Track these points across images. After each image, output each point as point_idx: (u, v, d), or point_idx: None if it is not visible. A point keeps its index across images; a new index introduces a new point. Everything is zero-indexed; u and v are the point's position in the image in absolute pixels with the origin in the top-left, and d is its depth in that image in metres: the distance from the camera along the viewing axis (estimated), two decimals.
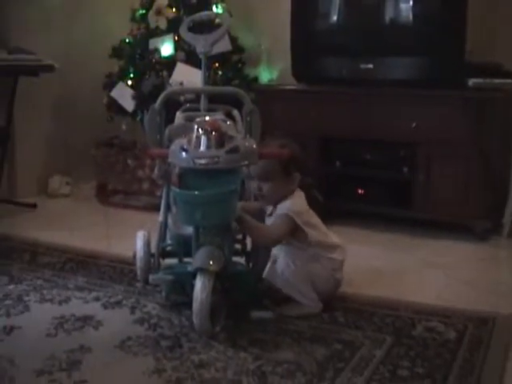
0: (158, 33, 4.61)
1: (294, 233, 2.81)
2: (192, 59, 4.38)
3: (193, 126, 2.65)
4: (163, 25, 4.57)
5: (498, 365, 2.39)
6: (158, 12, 4.57)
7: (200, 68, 3.17)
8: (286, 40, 4.38)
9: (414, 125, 3.95)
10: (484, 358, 2.43)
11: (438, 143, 3.93)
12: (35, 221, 4.36)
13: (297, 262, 2.81)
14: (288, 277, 2.79)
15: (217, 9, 4.65)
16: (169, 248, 3.04)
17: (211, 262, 2.55)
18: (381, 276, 3.36)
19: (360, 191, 4.24)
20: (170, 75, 4.43)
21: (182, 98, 4.05)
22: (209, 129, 2.58)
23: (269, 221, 2.90)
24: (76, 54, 4.96)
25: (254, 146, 2.65)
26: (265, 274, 2.82)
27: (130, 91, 4.55)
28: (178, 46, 4.52)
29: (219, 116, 2.96)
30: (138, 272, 3.09)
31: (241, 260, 3.01)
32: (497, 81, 3.92)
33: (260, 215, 2.96)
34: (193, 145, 2.59)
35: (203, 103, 3.11)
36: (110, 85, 4.70)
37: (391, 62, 4.14)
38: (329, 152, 4.27)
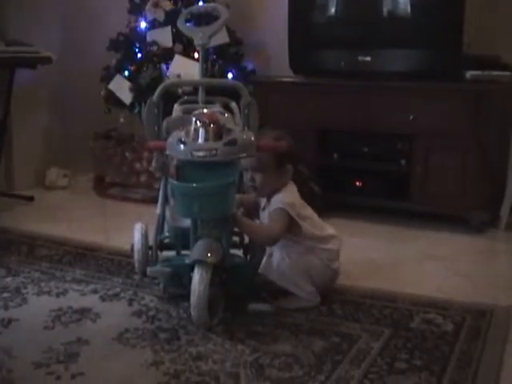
0: (155, 25, 4.60)
1: (289, 227, 2.81)
2: (190, 51, 4.39)
3: (191, 118, 2.65)
4: (161, 17, 4.56)
5: (496, 357, 2.39)
6: (156, 4, 4.56)
7: (198, 60, 3.17)
8: (284, 32, 4.37)
9: (411, 117, 3.95)
10: (482, 350, 2.43)
11: (435, 135, 3.93)
12: (33, 213, 4.36)
13: (292, 254, 2.80)
14: (284, 270, 2.79)
15: (214, 1, 4.63)
16: (166, 240, 3.04)
17: (209, 255, 2.56)
18: (378, 268, 3.36)
19: (358, 183, 4.24)
20: (167, 68, 4.42)
21: (179, 91, 4.05)
22: (207, 121, 2.58)
23: (263, 215, 2.90)
24: (74, 46, 4.95)
25: (252, 139, 2.65)
26: (260, 268, 2.82)
27: (128, 84, 4.54)
28: (175, 38, 4.51)
29: (217, 108, 2.96)
30: (136, 264, 3.10)
31: (239, 252, 3.02)
32: (495, 73, 3.92)
33: (255, 207, 2.96)
34: (191, 137, 2.59)
35: (201, 95, 3.11)
36: (107, 77, 4.69)
37: (389, 55, 4.13)
38: (326, 144, 4.27)
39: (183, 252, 2.89)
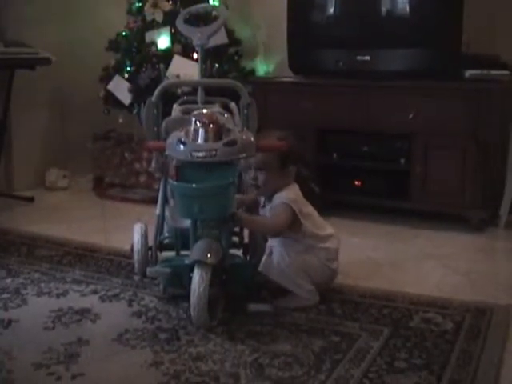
0: (154, 26, 4.60)
1: (291, 223, 2.81)
2: (188, 52, 4.39)
3: (190, 118, 2.65)
4: (160, 17, 4.56)
5: (496, 356, 2.39)
6: (155, 5, 4.56)
7: (197, 61, 3.17)
8: (283, 32, 4.37)
9: (410, 116, 3.95)
10: (481, 349, 2.43)
11: (434, 134, 3.93)
12: (32, 214, 4.36)
13: (291, 253, 2.81)
14: (284, 268, 2.79)
15: (213, 1, 4.64)
16: (166, 241, 3.04)
17: (209, 255, 2.56)
18: (378, 267, 3.36)
19: (357, 183, 4.24)
20: (166, 68, 4.42)
21: (178, 91, 4.05)
22: (206, 121, 2.58)
23: (262, 212, 2.91)
24: (73, 47, 4.95)
25: (252, 139, 2.66)
26: (260, 266, 2.82)
27: (127, 84, 4.54)
28: (174, 38, 4.52)
29: (216, 109, 2.96)
30: (136, 265, 3.10)
31: (238, 253, 3.02)
32: (494, 72, 3.92)
33: (256, 206, 2.97)
34: (190, 137, 2.59)
35: (200, 96, 3.11)
36: (106, 78, 4.70)
37: (388, 54, 4.14)
38: (326, 144, 4.27)
39: (183, 252, 2.89)
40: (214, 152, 2.55)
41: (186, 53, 4.43)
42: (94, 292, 2.98)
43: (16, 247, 3.61)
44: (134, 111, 4.60)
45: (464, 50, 3.97)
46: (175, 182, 2.67)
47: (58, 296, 2.93)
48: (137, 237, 3.08)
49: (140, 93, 4.39)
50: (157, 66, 4.46)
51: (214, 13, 4.17)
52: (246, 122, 2.81)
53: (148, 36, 4.59)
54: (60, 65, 4.58)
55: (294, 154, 2.86)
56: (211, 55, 4.28)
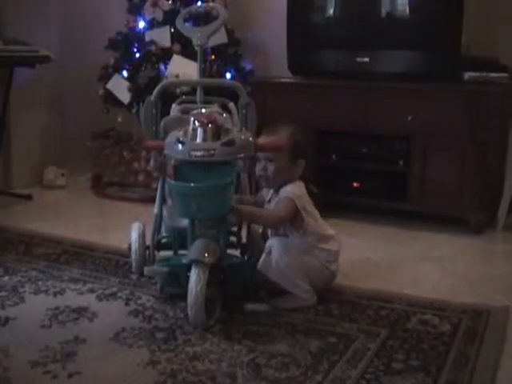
0: (154, 25, 4.60)
1: (293, 218, 2.83)
2: (188, 51, 4.39)
3: (189, 118, 2.65)
4: (159, 17, 4.56)
5: (492, 358, 2.39)
6: (155, 4, 4.56)
7: (196, 60, 3.17)
8: (283, 32, 4.37)
9: (409, 118, 3.95)
10: (478, 351, 2.43)
11: (433, 136, 3.93)
12: (30, 212, 4.36)
13: (291, 253, 2.80)
14: (282, 268, 2.78)
15: (213, 1, 4.63)
16: (164, 240, 3.05)
17: (206, 255, 2.56)
18: (376, 269, 3.36)
19: (356, 184, 4.25)
20: (165, 67, 4.42)
21: (177, 91, 4.05)
22: (205, 121, 2.58)
23: (267, 206, 2.93)
24: (72, 45, 4.95)
25: (250, 139, 2.66)
26: (259, 265, 2.82)
27: (126, 83, 4.54)
28: (174, 38, 4.51)
29: (215, 108, 2.96)
30: (133, 264, 3.09)
31: (236, 252, 3.02)
32: (493, 75, 3.93)
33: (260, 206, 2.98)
34: (189, 137, 2.60)
35: (199, 95, 3.11)
36: (105, 77, 4.69)
37: (387, 56, 4.14)
38: (325, 145, 4.27)
39: (180, 252, 2.89)
40: (212, 152, 2.55)
41: (186, 52, 4.43)
42: (92, 291, 2.98)
43: (14, 245, 3.61)
44: (133, 110, 4.60)
45: (463, 53, 3.97)
46: (173, 182, 2.67)
47: (55, 294, 2.93)
48: (134, 236, 3.08)
49: (139, 92, 4.39)
50: (156, 65, 4.46)
51: (213, 13, 4.17)
52: (244, 122, 2.82)
53: (148, 35, 4.59)
54: (59, 63, 4.60)
55: (303, 149, 2.91)
56: (210, 55, 4.30)
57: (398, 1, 4.15)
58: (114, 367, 2.29)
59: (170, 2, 4.56)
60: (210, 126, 2.58)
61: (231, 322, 2.64)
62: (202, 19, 4.12)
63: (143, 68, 4.48)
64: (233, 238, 3.03)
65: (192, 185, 2.59)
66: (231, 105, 3.11)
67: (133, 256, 3.08)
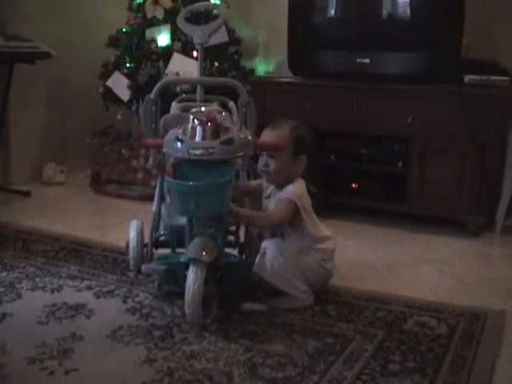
0: (154, 23, 4.60)
1: (292, 219, 2.83)
2: (188, 50, 4.39)
3: (188, 116, 2.65)
4: (160, 15, 4.56)
5: (489, 360, 2.39)
6: (156, 2, 4.56)
7: (196, 59, 3.17)
8: (283, 33, 4.37)
9: (409, 120, 3.95)
10: (475, 354, 2.43)
11: (433, 138, 3.93)
12: (29, 209, 4.36)
13: (286, 254, 2.80)
14: (277, 269, 2.78)
15: (214, 0, 4.64)
16: (162, 238, 3.04)
17: (204, 253, 2.56)
18: (373, 270, 3.36)
19: (354, 185, 4.25)
20: (166, 65, 4.42)
21: (177, 89, 4.05)
22: (204, 120, 2.58)
23: (266, 203, 2.93)
24: (73, 42, 4.94)
25: (249, 138, 2.66)
26: (254, 267, 2.82)
27: (126, 81, 4.54)
28: (174, 36, 4.51)
29: (215, 107, 2.96)
30: (131, 262, 3.09)
31: (234, 251, 3.01)
32: (493, 78, 3.93)
33: (259, 194, 2.97)
34: (188, 135, 2.60)
35: (199, 94, 3.11)
36: (106, 74, 4.69)
37: (388, 57, 4.14)
38: (324, 145, 4.26)
39: (178, 250, 2.89)
40: (211, 150, 2.55)
41: (186, 51, 4.43)
42: (89, 288, 2.98)
43: (12, 241, 3.61)
44: (133, 108, 4.60)
45: (464, 55, 3.97)
46: (172, 180, 2.67)
47: (52, 291, 2.93)
48: (132, 233, 3.08)
49: (139, 90, 4.39)
50: (156, 63, 4.46)
51: (214, 11, 4.17)
52: (244, 121, 2.82)
53: (148, 33, 4.59)
54: (60, 60, 4.58)
55: (305, 144, 2.91)
56: (211, 54, 4.29)
57: (399, 2, 4.15)
58: (110, 364, 2.29)
59: (170, 0, 4.56)
60: (209, 124, 2.58)
61: (228, 321, 2.64)
62: (203, 18, 4.11)
63: (143, 66, 4.48)
64: (231, 237, 3.03)
65: (191, 183, 2.59)
66: (231, 104, 3.11)
67: (131, 253, 3.07)
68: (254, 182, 3.05)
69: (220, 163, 2.61)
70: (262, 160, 2.88)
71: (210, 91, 3.24)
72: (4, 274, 3.12)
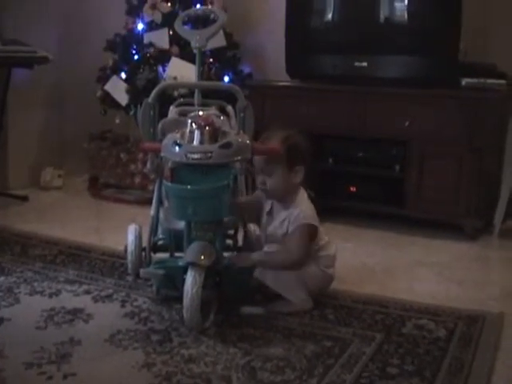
0: (152, 27, 4.60)
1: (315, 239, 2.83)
2: (186, 54, 4.39)
3: (186, 120, 2.65)
4: (158, 19, 4.56)
5: (487, 363, 2.39)
6: (153, 6, 4.56)
7: (194, 63, 3.17)
8: (281, 36, 4.37)
9: (407, 123, 3.96)
10: (473, 357, 2.43)
11: (430, 142, 3.94)
12: (27, 213, 4.36)
13: None
14: (280, 275, 2.78)
15: (212, 4, 4.64)
16: (160, 242, 3.05)
17: (202, 257, 2.55)
18: (371, 274, 3.36)
19: (352, 189, 4.25)
20: (164, 70, 4.42)
21: (175, 93, 4.05)
22: (202, 124, 2.58)
23: (268, 219, 2.88)
24: (71, 46, 4.95)
25: (247, 142, 2.66)
26: (256, 272, 2.81)
27: (124, 85, 4.54)
28: (172, 40, 4.52)
29: (213, 111, 2.96)
30: (129, 266, 3.09)
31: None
32: (490, 81, 3.93)
33: (258, 208, 2.94)
34: (186, 139, 2.59)
35: (197, 98, 3.11)
36: (103, 78, 4.69)
37: (385, 61, 4.14)
38: (322, 149, 4.27)
39: (177, 254, 2.89)
40: (209, 154, 2.55)
41: (184, 55, 4.43)
42: (87, 292, 2.98)
43: (9, 246, 3.60)
44: (131, 112, 4.60)
45: (461, 59, 3.98)
46: (170, 184, 2.67)
47: (50, 295, 2.93)
48: (131, 238, 3.08)
49: (137, 94, 4.39)
50: (154, 67, 4.46)
51: (212, 15, 4.17)
52: (242, 125, 2.82)
53: (146, 37, 4.59)
54: (57, 64, 4.59)
55: (300, 153, 2.84)
56: (209, 58, 4.30)
57: (397, 6, 4.16)
58: (109, 369, 2.29)
59: (168, 5, 4.56)
60: (207, 128, 2.58)
61: (227, 325, 2.64)
62: (201, 22, 4.11)
63: (141, 70, 4.48)
64: (229, 241, 3.03)
65: (189, 187, 2.59)
66: (229, 108, 3.12)
67: (129, 258, 3.08)
68: (250, 198, 3.01)
69: (218, 167, 2.61)
70: (259, 178, 2.84)
71: (208, 95, 3.24)
72: (2, 278, 3.12)
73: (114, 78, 4.61)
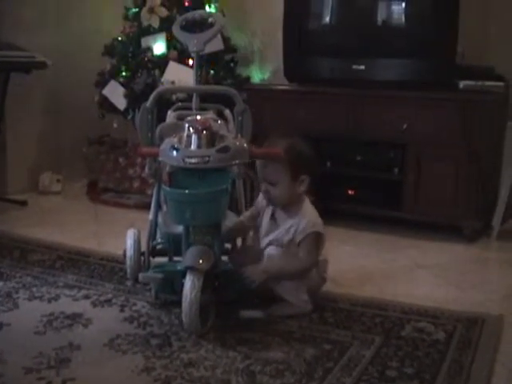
0: (150, 31, 4.61)
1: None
2: (184, 58, 4.39)
3: (184, 124, 2.65)
4: (156, 23, 4.57)
5: (486, 365, 2.39)
6: (151, 10, 4.57)
7: (192, 67, 3.18)
8: (279, 40, 4.38)
9: (404, 126, 3.96)
10: (472, 359, 2.43)
11: (428, 144, 3.94)
12: (26, 218, 4.35)
13: None
14: (284, 280, 2.79)
15: (209, 8, 4.65)
16: (159, 246, 3.04)
17: (201, 261, 2.55)
18: (370, 276, 3.36)
19: (350, 192, 4.25)
20: (162, 74, 4.42)
21: (173, 97, 4.05)
22: (200, 128, 2.58)
23: (268, 225, 2.89)
24: (69, 51, 4.95)
25: (245, 145, 2.66)
26: None
27: (122, 89, 4.54)
28: (170, 44, 4.52)
29: (210, 115, 2.97)
30: (128, 270, 3.09)
31: None
32: (488, 83, 3.94)
33: (244, 232, 2.98)
34: (184, 144, 2.59)
35: (195, 102, 3.11)
36: (102, 83, 4.70)
37: (383, 64, 4.15)
38: (319, 152, 4.25)
39: (175, 258, 2.89)
40: (206, 158, 2.55)
41: (182, 59, 4.44)
42: (86, 297, 2.98)
43: (8, 251, 3.60)
44: (129, 116, 4.60)
45: (459, 61, 3.98)
46: (168, 188, 2.67)
47: (49, 300, 2.93)
48: (129, 242, 3.08)
49: (135, 98, 4.39)
50: (152, 71, 4.46)
51: (210, 20, 4.17)
52: (240, 129, 2.82)
53: (144, 42, 4.59)
54: (55, 69, 4.59)
55: (305, 163, 2.83)
56: (206, 62, 4.30)
57: (394, 9, 4.17)
58: (108, 373, 2.29)
59: (166, 9, 4.56)
60: (204, 132, 2.58)
61: (226, 329, 2.64)
62: (198, 26, 4.11)
63: (139, 74, 4.49)
64: (228, 245, 3.03)
65: (187, 191, 2.59)
66: (227, 112, 3.12)
67: (128, 262, 3.07)
68: (245, 219, 3.00)
69: (216, 171, 2.61)
70: (263, 187, 2.83)
71: (206, 99, 3.24)
72: (1, 283, 3.11)
73: (112, 82, 4.61)
